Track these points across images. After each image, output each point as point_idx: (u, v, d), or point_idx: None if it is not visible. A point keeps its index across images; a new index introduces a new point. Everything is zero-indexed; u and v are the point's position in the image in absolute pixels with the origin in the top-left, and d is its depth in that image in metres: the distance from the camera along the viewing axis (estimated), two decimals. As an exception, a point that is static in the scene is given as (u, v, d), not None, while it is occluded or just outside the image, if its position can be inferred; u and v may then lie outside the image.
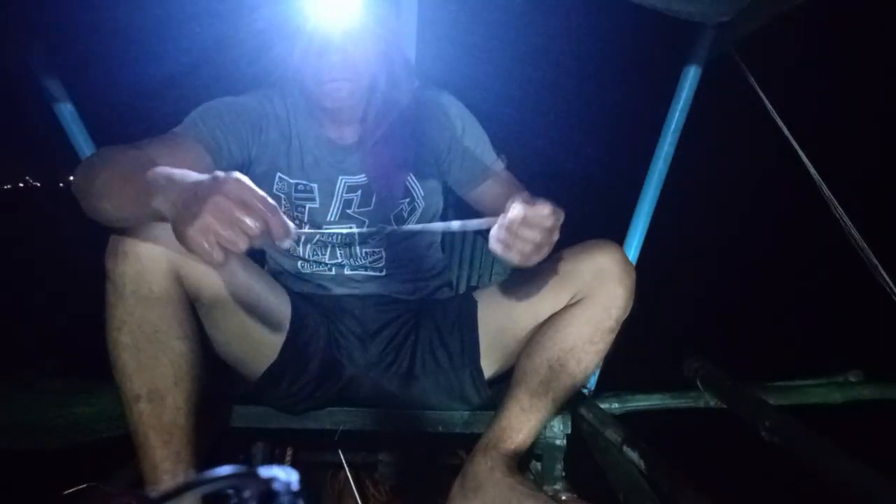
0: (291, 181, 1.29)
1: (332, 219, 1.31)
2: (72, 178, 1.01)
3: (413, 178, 1.33)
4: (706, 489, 1.03)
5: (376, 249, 1.35)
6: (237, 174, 0.79)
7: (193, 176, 0.82)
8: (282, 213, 0.78)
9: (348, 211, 1.31)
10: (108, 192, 0.91)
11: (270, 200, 0.78)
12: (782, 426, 1.26)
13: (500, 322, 1.28)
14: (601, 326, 1.17)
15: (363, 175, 1.30)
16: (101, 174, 0.93)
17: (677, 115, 1.64)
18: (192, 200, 0.76)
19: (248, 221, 0.75)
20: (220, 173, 0.79)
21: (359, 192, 1.30)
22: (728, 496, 1.03)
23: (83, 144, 1.61)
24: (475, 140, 1.36)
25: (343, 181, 1.30)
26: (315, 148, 1.29)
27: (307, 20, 1.12)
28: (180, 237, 0.76)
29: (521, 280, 1.25)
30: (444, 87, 1.39)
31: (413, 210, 1.35)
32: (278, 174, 1.28)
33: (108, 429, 1.47)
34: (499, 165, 1.38)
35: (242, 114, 1.23)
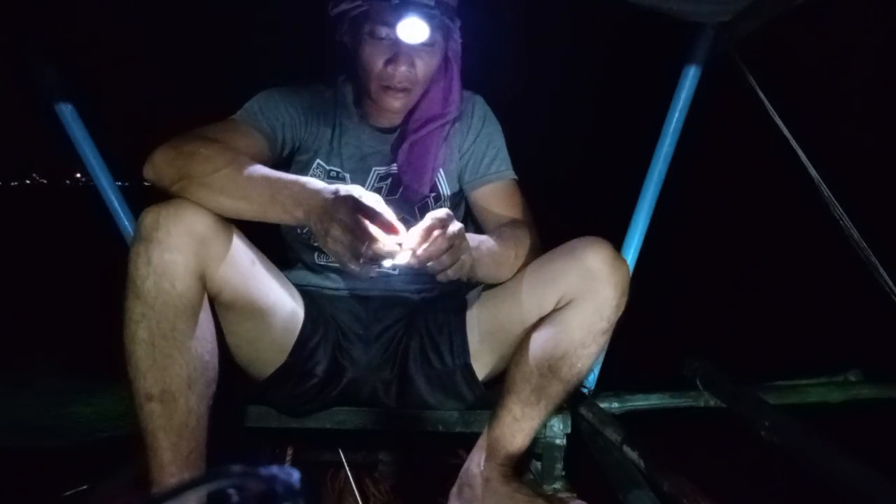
0: (327, 167, 1.33)
1: None
2: (151, 167, 1.06)
3: (441, 173, 1.36)
4: (706, 489, 1.03)
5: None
6: (353, 192, 0.98)
7: (318, 187, 1.01)
8: (391, 223, 0.97)
9: None
10: (232, 188, 1.03)
11: (383, 217, 0.97)
12: (782, 426, 1.26)
13: (487, 325, 1.27)
14: (593, 329, 1.14)
15: (395, 165, 1.34)
16: (217, 168, 1.03)
17: (677, 115, 1.64)
18: (325, 216, 0.96)
19: (358, 244, 0.94)
20: (341, 190, 0.98)
21: (389, 180, 1.34)
22: (728, 496, 1.03)
23: (83, 144, 1.61)
24: (492, 144, 1.38)
25: (375, 172, 1.35)
26: (355, 138, 1.34)
27: (385, 25, 1.17)
28: (323, 242, 0.98)
29: (508, 282, 1.24)
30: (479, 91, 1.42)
31: (438, 203, 1.37)
32: (317, 160, 1.33)
33: (108, 429, 1.47)
34: (508, 175, 1.38)
35: (297, 104, 1.30)
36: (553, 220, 1.45)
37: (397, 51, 1.18)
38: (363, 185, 1.31)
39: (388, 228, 0.97)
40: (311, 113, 1.32)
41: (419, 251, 0.99)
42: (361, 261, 0.95)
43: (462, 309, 1.31)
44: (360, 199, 0.97)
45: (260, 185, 1.03)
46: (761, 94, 1.67)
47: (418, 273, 1.38)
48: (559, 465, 1.34)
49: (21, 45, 1.52)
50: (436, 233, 1.00)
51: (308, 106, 1.32)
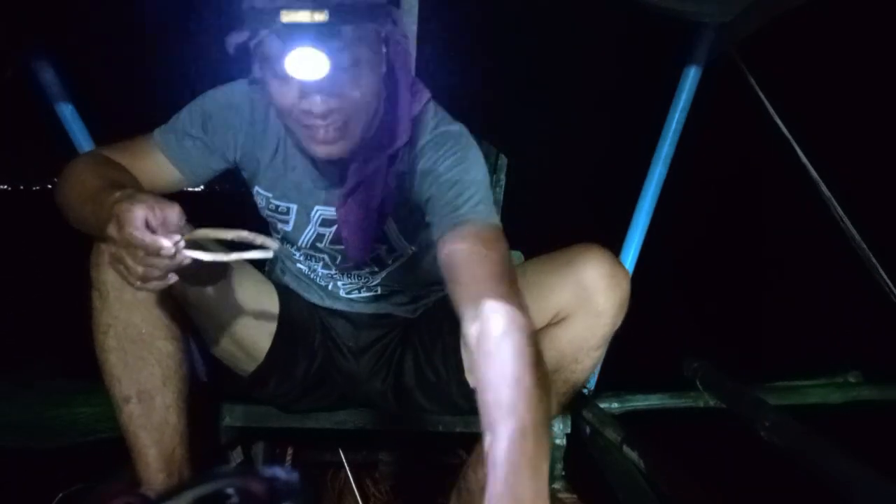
0: (266, 195, 1.16)
1: (304, 245, 1.19)
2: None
3: (392, 223, 1.14)
4: (706, 489, 1.03)
5: (373, 271, 1.23)
6: (126, 205, 0.79)
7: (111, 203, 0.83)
8: (168, 222, 0.80)
9: (319, 244, 1.18)
10: (77, 211, 0.94)
11: (155, 213, 0.79)
12: (782, 426, 1.26)
13: None
14: (585, 346, 1.10)
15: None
16: (72, 190, 0.96)
17: (677, 115, 1.64)
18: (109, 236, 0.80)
19: (130, 263, 0.80)
20: (117, 205, 0.80)
21: (333, 227, 1.15)
22: (728, 496, 1.03)
23: (83, 144, 1.61)
24: (454, 177, 1.03)
25: (318, 212, 1.15)
26: (298, 169, 1.13)
27: (277, 58, 0.88)
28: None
29: None
30: (450, 110, 1.13)
31: (393, 255, 1.20)
32: (256, 187, 1.16)
33: (108, 429, 1.47)
34: (478, 217, 1.00)
35: (229, 118, 1.10)
36: (553, 221, 1.44)
37: (310, 84, 0.89)
38: (305, 225, 1.16)
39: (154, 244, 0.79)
40: (247, 131, 1.11)
41: None
42: (138, 283, 0.81)
43: (457, 323, 1.26)
44: (125, 214, 0.78)
45: (91, 208, 0.90)
46: (761, 95, 1.67)
47: (407, 294, 1.30)
48: (559, 466, 1.34)
49: (21, 45, 1.52)
50: None
51: (243, 123, 1.11)
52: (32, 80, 1.56)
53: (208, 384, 1.25)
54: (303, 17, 0.83)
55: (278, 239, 1.22)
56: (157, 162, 1.08)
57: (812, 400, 1.72)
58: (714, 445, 1.64)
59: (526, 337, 0.84)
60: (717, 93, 1.73)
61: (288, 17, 0.83)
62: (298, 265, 1.31)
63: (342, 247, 1.15)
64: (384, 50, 0.96)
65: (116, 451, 1.16)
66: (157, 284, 0.82)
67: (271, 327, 1.22)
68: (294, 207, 1.15)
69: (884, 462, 1.02)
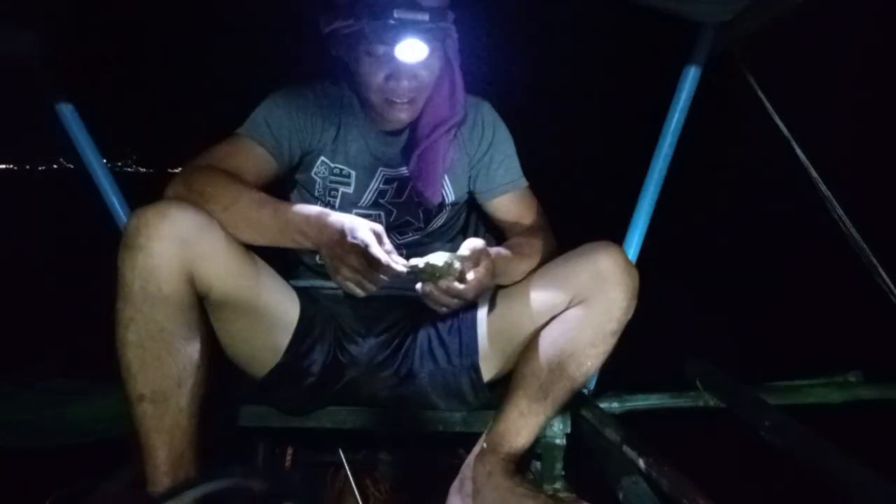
0: (332, 165, 1.34)
1: (364, 204, 1.36)
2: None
3: (447, 180, 1.38)
4: (706, 489, 1.03)
5: (398, 245, 1.34)
6: (360, 234, 1.05)
7: (330, 221, 1.09)
8: (384, 259, 1.04)
9: (381, 200, 1.37)
10: (242, 226, 1.12)
11: (378, 254, 1.04)
12: (782, 426, 1.26)
13: (499, 324, 1.28)
14: (602, 330, 1.16)
15: (403, 169, 1.35)
16: (226, 207, 1.11)
17: (677, 115, 1.64)
18: (336, 251, 1.06)
19: (364, 278, 1.05)
20: (347, 227, 1.07)
21: (395, 183, 1.36)
22: (728, 496, 1.03)
23: (83, 144, 1.61)
24: (503, 153, 1.41)
25: (382, 173, 1.36)
26: (361, 138, 1.35)
27: (382, 44, 1.16)
28: (333, 277, 1.08)
29: (521, 282, 1.26)
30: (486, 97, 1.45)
31: (441, 209, 1.40)
32: (322, 157, 1.34)
33: (108, 429, 1.47)
34: (521, 183, 1.43)
35: (301, 107, 1.31)
36: (552, 222, 1.45)
37: (397, 66, 1.18)
38: (368, 185, 1.35)
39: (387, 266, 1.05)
40: (316, 114, 1.32)
41: (469, 275, 1.10)
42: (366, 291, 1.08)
43: (472, 307, 1.31)
44: (369, 247, 1.03)
45: (267, 218, 1.12)
46: (761, 95, 1.67)
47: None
48: (559, 465, 1.34)
49: (21, 45, 1.52)
50: (484, 264, 1.12)
51: (313, 107, 1.32)
52: (32, 79, 1.56)
53: (211, 387, 1.25)
54: (412, 15, 1.11)
55: (335, 205, 1.37)
56: (255, 155, 1.25)
57: (812, 400, 1.72)
58: (714, 445, 1.64)
59: (549, 242, 1.35)
60: (718, 93, 1.73)
61: (401, 14, 1.10)
62: (319, 258, 1.35)
63: (400, 200, 1.37)
64: (443, 44, 1.23)
65: (116, 451, 1.16)
66: (373, 287, 1.08)
67: (290, 329, 1.24)
68: (354, 172, 1.35)
69: (884, 462, 1.02)
